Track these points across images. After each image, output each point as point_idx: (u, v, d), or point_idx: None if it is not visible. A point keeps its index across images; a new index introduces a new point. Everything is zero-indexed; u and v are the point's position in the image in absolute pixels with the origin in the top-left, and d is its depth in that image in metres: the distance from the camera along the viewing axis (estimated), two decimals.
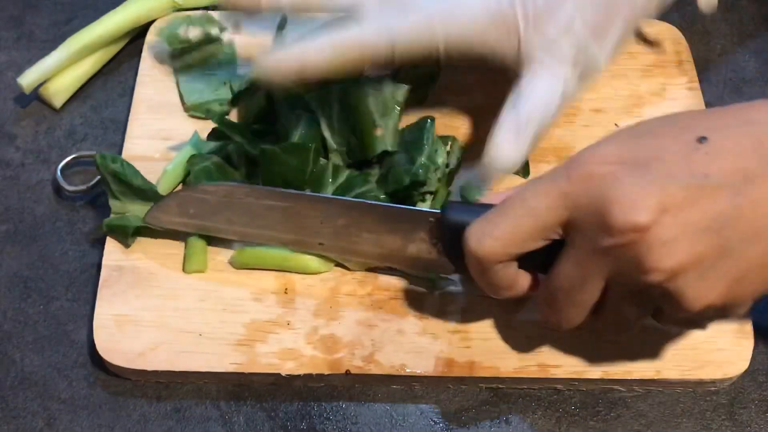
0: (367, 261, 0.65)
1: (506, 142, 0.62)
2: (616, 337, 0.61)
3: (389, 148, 0.67)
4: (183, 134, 0.71)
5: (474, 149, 0.70)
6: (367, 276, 0.66)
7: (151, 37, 0.79)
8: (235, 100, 0.70)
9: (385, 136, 0.67)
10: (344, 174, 0.66)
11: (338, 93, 0.66)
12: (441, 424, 0.62)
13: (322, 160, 0.66)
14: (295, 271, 0.66)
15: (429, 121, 0.68)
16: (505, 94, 0.63)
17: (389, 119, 0.67)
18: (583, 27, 0.62)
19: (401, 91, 0.68)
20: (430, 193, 0.68)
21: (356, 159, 0.67)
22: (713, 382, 0.62)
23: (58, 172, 0.71)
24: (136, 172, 0.66)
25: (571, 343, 0.63)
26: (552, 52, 0.62)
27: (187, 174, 0.68)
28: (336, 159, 0.68)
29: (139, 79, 0.76)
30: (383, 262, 0.65)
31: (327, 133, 0.67)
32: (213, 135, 0.68)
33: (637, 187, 0.50)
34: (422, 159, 0.66)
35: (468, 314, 0.64)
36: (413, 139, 0.67)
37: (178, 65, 0.76)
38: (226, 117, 0.71)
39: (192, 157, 0.68)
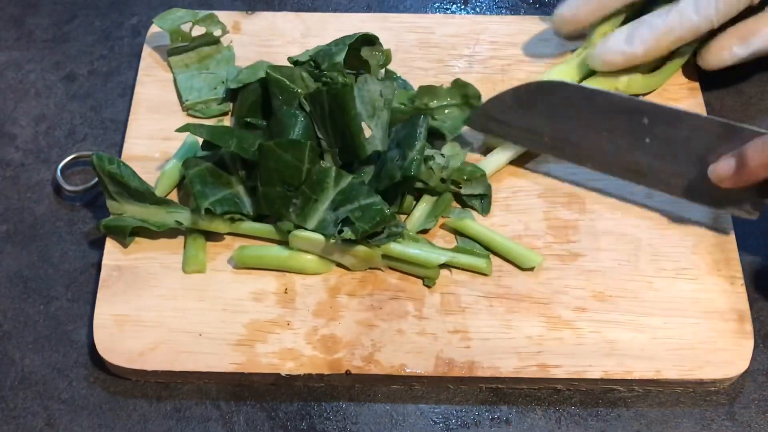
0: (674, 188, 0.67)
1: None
2: None
3: (380, 149, 0.67)
4: (182, 134, 0.71)
5: None
6: (367, 276, 0.66)
7: (150, 34, 0.79)
8: (233, 94, 0.71)
9: (374, 137, 0.67)
10: (347, 179, 0.65)
11: (328, 94, 0.66)
12: (441, 424, 0.62)
13: (325, 163, 0.66)
14: (295, 272, 0.66)
15: (422, 116, 0.67)
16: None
17: (378, 119, 0.67)
18: None
19: (390, 89, 0.68)
20: (431, 192, 0.68)
21: (348, 160, 0.67)
22: (713, 382, 0.62)
23: (58, 172, 0.71)
24: (133, 174, 0.66)
25: (570, 343, 0.63)
26: None
27: (183, 177, 0.68)
28: (329, 160, 0.67)
29: (139, 78, 0.76)
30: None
31: (320, 133, 0.67)
32: (206, 145, 0.68)
33: None
34: (414, 154, 0.65)
35: (468, 314, 0.64)
36: (406, 134, 0.67)
37: (177, 62, 0.76)
38: (220, 122, 0.73)
39: (186, 160, 0.68)
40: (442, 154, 0.67)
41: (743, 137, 0.63)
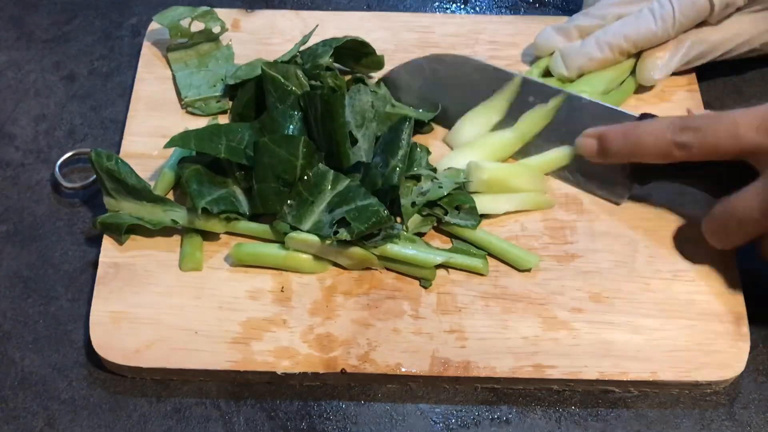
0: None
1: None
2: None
3: (364, 159, 0.67)
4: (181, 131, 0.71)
5: None
6: (364, 275, 0.66)
7: (150, 31, 0.79)
8: (231, 91, 0.72)
9: (359, 147, 0.67)
10: (344, 182, 0.66)
11: (320, 98, 0.66)
12: (441, 424, 0.62)
13: (322, 166, 0.66)
14: (292, 270, 0.66)
15: (407, 122, 0.67)
16: None
17: (366, 130, 0.67)
18: None
19: (381, 101, 0.68)
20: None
21: (333, 166, 0.66)
22: (709, 384, 0.62)
23: (56, 169, 0.72)
24: (131, 171, 0.66)
25: (566, 343, 0.63)
26: None
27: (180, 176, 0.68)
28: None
29: (137, 76, 0.76)
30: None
31: (314, 134, 0.67)
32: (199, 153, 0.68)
33: None
34: (396, 162, 0.65)
35: (464, 314, 0.64)
36: (390, 140, 0.67)
37: (176, 60, 0.77)
38: (215, 119, 0.74)
39: (182, 160, 0.68)
40: (435, 177, 0.67)
41: (619, 120, 0.67)
